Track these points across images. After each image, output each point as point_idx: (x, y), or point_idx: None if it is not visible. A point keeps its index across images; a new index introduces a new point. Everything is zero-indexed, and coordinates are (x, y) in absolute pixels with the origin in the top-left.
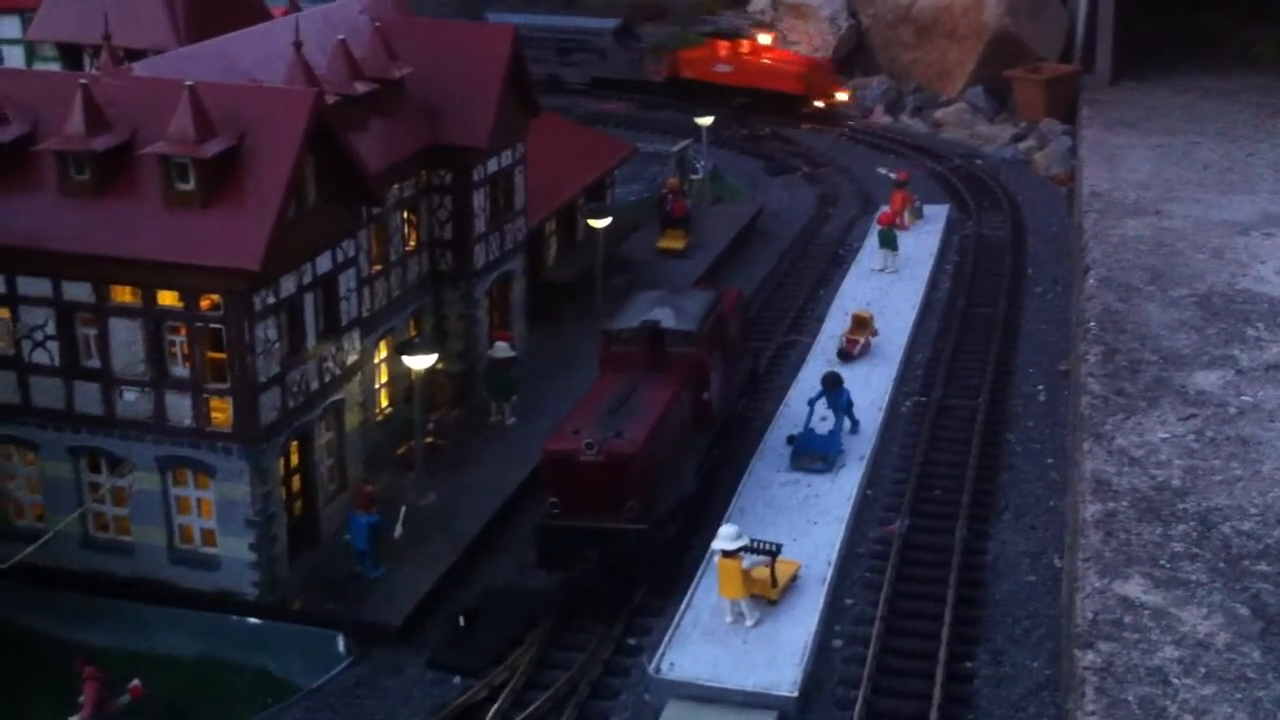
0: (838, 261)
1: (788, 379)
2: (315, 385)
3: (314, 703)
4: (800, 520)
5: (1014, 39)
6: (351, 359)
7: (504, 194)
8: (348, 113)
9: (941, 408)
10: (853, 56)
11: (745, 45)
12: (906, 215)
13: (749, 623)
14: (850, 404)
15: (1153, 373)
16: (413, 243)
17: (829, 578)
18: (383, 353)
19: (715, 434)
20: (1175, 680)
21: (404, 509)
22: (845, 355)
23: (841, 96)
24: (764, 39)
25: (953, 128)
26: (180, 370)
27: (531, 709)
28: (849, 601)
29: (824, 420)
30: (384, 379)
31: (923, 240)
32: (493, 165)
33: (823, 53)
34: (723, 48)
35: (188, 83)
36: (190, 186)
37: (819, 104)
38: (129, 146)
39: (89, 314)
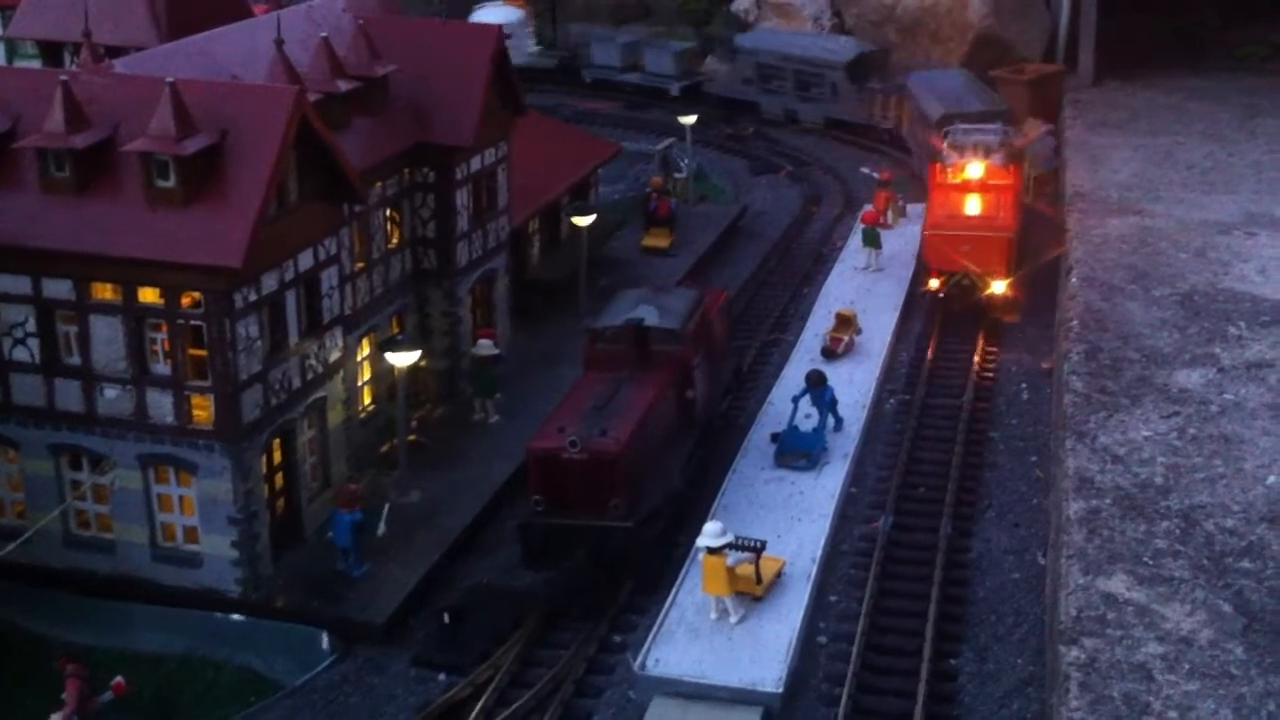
0: (821, 260)
1: (772, 377)
2: (297, 383)
3: (298, 700)
4: (784, 517)
5: (997, 39)
6: (334, 356)
7: (487, 192)
8: (330, 110)
9: (925, 406)
10: None
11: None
12: (890, 214)
13: (734, 619)
14: (834, 402)
15: (1135, 371)
16: (395, 240)
17: (813, 574)
18: (365, 350)
19: (700, 432)
20: (1159, 676)
21: (387, 507)
22: (829, 353)
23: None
24: (975, 168)
25: None
26: (161, 368)
27: (515, 706)
28: (833, 598)
29: (808, 418)
30: (367, 377)
31: (906, 239)
32: (476, 163)
33: None
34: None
35: (168, 80)
36: (171, 184)
37: (933, 284)
38: (110, 144)
39: (69, 311)
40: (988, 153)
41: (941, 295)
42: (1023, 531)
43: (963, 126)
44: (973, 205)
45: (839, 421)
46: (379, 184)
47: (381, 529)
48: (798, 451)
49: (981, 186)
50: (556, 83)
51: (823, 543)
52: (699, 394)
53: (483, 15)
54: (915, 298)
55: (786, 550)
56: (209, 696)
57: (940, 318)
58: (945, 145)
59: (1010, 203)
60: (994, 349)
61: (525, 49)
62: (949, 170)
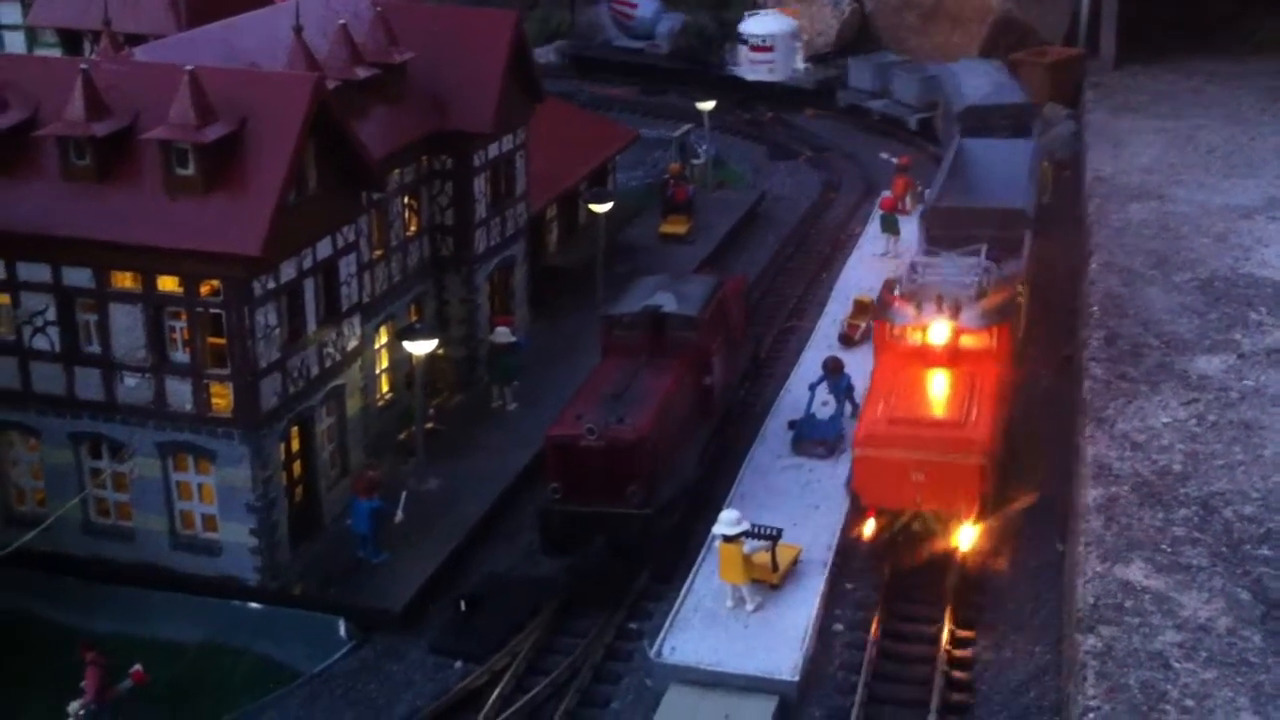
0: (839, 246)
1: (789, 364)
2: (316, 370)
3: (316, 688)
4: (801, 505)
5: (1018, 23)
6: (352, 344)
7: (505, 179)
8: (349, 98)
9: None
10: (857, 41)
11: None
12: (909, 200)
13: (750, 607)
14: (852, 389)
15: (1155, 357)
16: (414, 228)
17: (830, 562)
18: (383, 338)
19: (717, 419)
20: (1176, 664)
21: (405, 494)
22: (847, 340)
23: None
24: (939, 331)
25: None
26: (181, 356)
27: (533, 694)
28: (849, 586)
29: (825, 405)
30: (385, 365)
31: None
32: (494, 150)
33: (824, 39)
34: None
35: (188, 68)
36: (191, 172)
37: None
38: (129, 132)
39: (89, 300)
40: (958, 307)
41: (882, 541)
42: (1040, 518)
43: (924, 259)
44: (931, 397)
45: (856, 409)
46: (397, 171)
47: (399, 516)
48: (815, 439)
49: (950, 359)
50: (815, 107)
51: (839, 530)
52: (716, 381)
53: (751, 25)
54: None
55: (803, 538)
56: (227, 684)
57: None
58: (895, 293)
59: (989, 392)
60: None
61: (790, 65)
62: (901, 333)
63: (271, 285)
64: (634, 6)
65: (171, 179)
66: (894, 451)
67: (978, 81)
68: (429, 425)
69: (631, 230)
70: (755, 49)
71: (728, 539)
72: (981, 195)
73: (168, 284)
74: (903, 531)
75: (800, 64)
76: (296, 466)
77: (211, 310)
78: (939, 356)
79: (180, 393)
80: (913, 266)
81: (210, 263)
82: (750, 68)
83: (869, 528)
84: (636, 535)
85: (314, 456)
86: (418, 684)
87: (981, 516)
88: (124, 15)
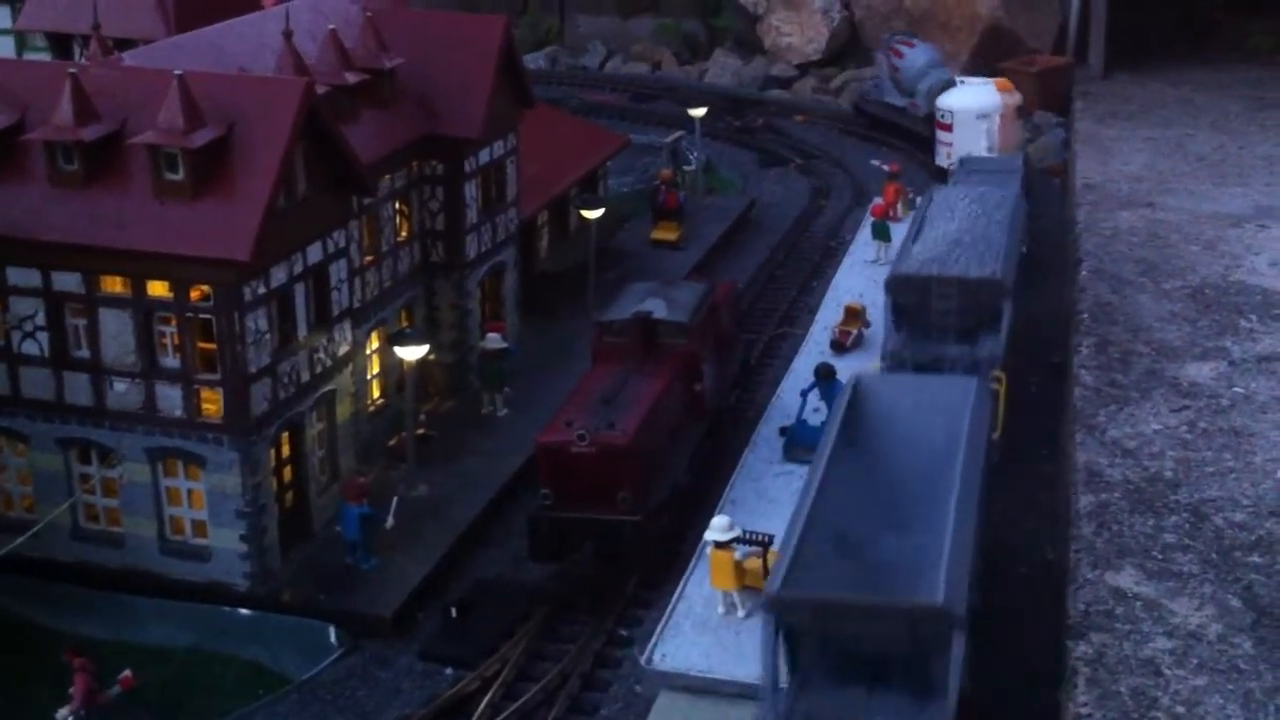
0: (830, 253)
1: (780, 370)
2: (306, 376)
3: (305, 694)
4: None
5: (1007, 31)
6: (343, 350)
7: (496, 185)
8: (338, 103)
9: None
10: (846, 49)
11: None
12: (899, 207)
13: (741, 614)
14: None
15: (1145, 364)
16: (404, 233)
17: None
18: (374, 344)
19: (708, 425)
20: (1167, 671)
21: (395, 500)
22: (838, 346)
23: None
24: None
25: None
26: (170, 361)
27: (523, 700)
28: None
29: (817, 412)
30: (376, 370)
31: None
32: (484, 156)
33: (814, 46)
34: None
35: (177, 72)
36: (180, 176)
37: None
38: (118, 136)
39: (79, 304)
40: None
41: None
42: (1031, 525)
43: None
44: None
45: None
46: (387, 176)
47: (390, 522)
48: (806, 445)
49: None
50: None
51: None
52: (707, 387)
53: (947, 96)
54: None
55: None
56: (217, 690)
57: None
58: None
59: None
60: None
61: (975, 151)
62: None
63: (262, 290)
64: (901, 56)
65: (160, 183)
66: None
67: (950, 221)
68: (420, 431)
69: (622, 236)
70: (939, 125)
71: (719, 545)
72: (873, 563)
73: (157, 289)
74: None
75: (987, 152)
76: (287, 472)
77: (201, 315)
78: None
79: (170, 398)
80: None
81: (200, 267)
82: (938, 148)
83: None
84: (627, 541)
85: (304, 462)
86: (407, 691)
87: None
88: (114, 19)
